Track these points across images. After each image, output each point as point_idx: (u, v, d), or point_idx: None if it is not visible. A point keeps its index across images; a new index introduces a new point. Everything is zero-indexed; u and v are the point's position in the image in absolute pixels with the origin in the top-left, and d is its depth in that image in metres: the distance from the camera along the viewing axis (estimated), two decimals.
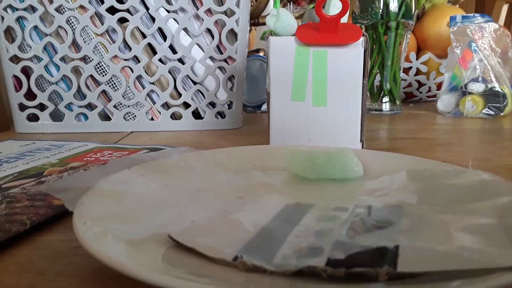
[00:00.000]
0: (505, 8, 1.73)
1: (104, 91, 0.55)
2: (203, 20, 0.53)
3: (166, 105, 0.56)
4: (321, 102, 0.36)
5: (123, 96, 0.55)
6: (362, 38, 0.35)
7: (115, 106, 0.56)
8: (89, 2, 0.52)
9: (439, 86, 0.85)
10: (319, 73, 0.35)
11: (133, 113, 0.56)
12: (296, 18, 1.56)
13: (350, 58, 0.35)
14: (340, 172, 0.26)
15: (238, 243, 0.16)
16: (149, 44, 0.54)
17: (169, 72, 0.55)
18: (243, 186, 0.24)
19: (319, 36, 0.34)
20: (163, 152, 0.37)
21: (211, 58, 0.55)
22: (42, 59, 0.53)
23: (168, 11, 0.53)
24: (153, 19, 0.53)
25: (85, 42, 0.53)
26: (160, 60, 0.54)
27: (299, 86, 0.36)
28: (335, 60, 0.35)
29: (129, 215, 0.18)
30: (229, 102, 0.57)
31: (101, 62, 0.54)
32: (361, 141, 0.37)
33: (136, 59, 0.54)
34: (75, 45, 0.54)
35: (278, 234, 0.17)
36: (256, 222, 0.18)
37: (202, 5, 0.53)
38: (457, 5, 1.01)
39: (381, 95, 0.71)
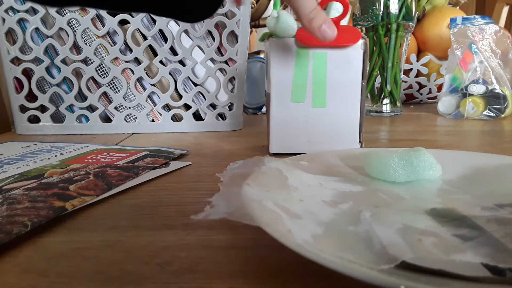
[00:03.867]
0: (505, 9, 1.73)
1: (105, 93, 0.55)
2: (203, 22, 0.54)
3: (167, 107, 0.57)
4: (321, 103, 0.36)
5: (124, 98, 0.55)
6: (361, 41, 0.35)
7: (116, 108, 0.56)
8: None
9: (439, 88, 0.85)
10: (319, 75, 0.36)
11: (134, 115, 0.56)
12: (297, 20, 1.56)
13: (350, 60, 0.36)
14: (427, 172, 0.26)
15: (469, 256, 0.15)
16: (150, 46, 0.54)
17: (169, 74, 0.55)
18: (366, 195, 0.24)
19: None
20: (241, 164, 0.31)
21: (212, 60, 0.55)
22: (43, 61, 0.53)
23: None
24: (154, 21, 0.53)
25: (86, 44, 0.53)
26: (161, 62, 0.55)
27: (299, 87, 0.36)
28: (335, 62, 0.36)
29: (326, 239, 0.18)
30: (229, 104, 0.57)
31: (102, 64, 0.54)
32: (360, 141, 0.37)
33: (137, 61, 0.55)
34: (76, 47, 0.54)
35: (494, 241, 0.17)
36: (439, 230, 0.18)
37: None
38: (458, 7, 1.01)
39: (382, 96, 0.71)
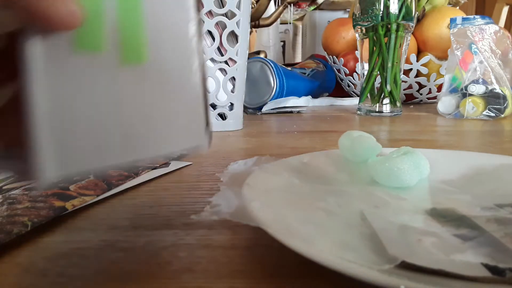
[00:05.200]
0: (505, 10, 1.73)
1: None
2: (203, 22, 0.54)
3: None
4: (137, 55, 0.17)
5: None
6: None
7: None
8: None
9: (439, 88, 0.85)
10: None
11: None
12: (297, 20, 1.56)
13: None
14: (426, 172, 0.26)
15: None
16: None
17: None
18: (366, 195, 0.24)
19: None
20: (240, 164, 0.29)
21: (212, 59, 0.55)
22: None
23: None
24: None
25: None
26: None
27: (89, 16, 0.16)
28: None
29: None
30: (230, 104, 0.57)
31: None
32: (207, 132, 0.19)
33: None
34: None
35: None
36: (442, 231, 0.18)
37: (203, 7, 0.53)
38: (458, 7, 1.01)
39: (382, 96, 0.71)
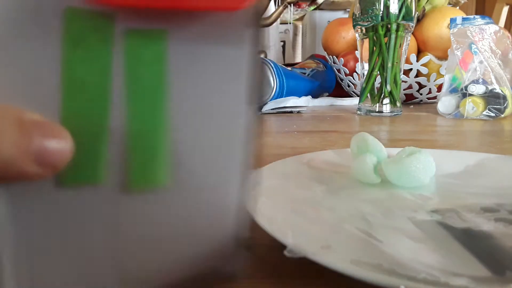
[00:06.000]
0: (505, 10, 1.73)
1: None
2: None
3: None
4: (152, 179, 0.12)
5: None
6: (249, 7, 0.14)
7: None
8: None
9: (439, 88, 0.85)
10: (145, 102, 0.12)
11: None
12: (297, 20, 1.56)
13: (223, 54, 0.13)
14: (431, 172, 0.26)
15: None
16: None
17: None
18: (367, 195, 0.24)
19: None
20: None
21: None
22: None
23: None
24: None
25: None
26: None
27: (86, 143, 0.11)
28: (184, 64, 0.12)
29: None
30: None
31: None
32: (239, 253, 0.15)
33: None
34: None
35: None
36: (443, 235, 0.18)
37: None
38: (458, 7, 1.01)
39: (382, 96, 0.71)
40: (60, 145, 0.10)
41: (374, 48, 0.69)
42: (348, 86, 1.00)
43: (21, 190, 0.11)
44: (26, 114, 0.09)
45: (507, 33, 0.72)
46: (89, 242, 0.12)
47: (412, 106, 0.90)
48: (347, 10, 1.27)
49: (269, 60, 0.78)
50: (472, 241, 0.17)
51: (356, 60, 0.93)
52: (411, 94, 0.93)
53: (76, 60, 0.11)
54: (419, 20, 0.88)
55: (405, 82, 0.89)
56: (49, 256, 0.11)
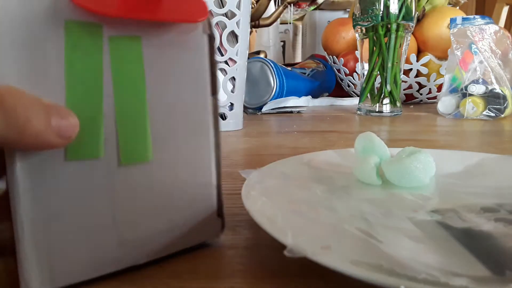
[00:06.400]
0: (505, 10, 1.73)
1: None
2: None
3: None
4: (139, 154, 0.16)
5: None
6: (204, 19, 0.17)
7: None
8: None
9: (439, 88, 0.85)
10: (129, 90, 0.15)
11: None
12: (297, 20, 1.56)
13: (189, 54, 0.17)
14: (430, 172, 0.25)
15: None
16: None
17: None
18: (367, 195, 0.24)
19: (123, 1, 0.15)
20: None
21: None
22: None
23: None
24: None
25: None
26: None
27: (87, 123, 0.14)
28: (159, 61, 0.16)
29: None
30: (230, 104, 0.57)
31: None
32: (219, 214, 0.19)
33: None
34: None
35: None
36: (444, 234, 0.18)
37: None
38: (458, 7, 1.01)
39: (382, 96, 0.71)
40: (72, 122, 0.13)
41: (374, 48, 0.69)
42: (348, 86, 1.00)
43: (38, 164, 0.14)
44: (44, 100, 0.13)
45: (507, 33, 0.72)
46: (92, 207, 0.15)
47: (412, 106, 0.90)
48: (347, 10, 1.27)
49: (269, 60, 0.78)
50: (472, 241, 0.17)
51: (356, 60, 0.93)
52: (411, 94, 0.93)
53: (76, 59, 0.14)
54: (419, 20, 0.88)
55: (405, 82, 0.89)
56: (61, 221, 0.14)
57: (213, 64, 0.18)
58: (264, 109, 0.75)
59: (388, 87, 0.70)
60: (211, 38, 0.17)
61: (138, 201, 0.16)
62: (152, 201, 0.16)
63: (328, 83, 1.03)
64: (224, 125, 0.57)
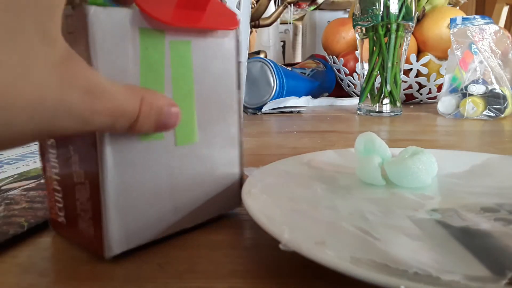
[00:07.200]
0: (505, 10, 1.73)
1: None
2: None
3: None
4: (188, 136, 0.20)
5: None
6: (236, 28, 0.21)
7: None
8: None
9: (439, 88, 0.85)
10: (182, 83, 0.19)
11: None
12: (297, 20, 1.56)
13: (224, 55, 0.21)
14: (432, 173, 0.25)
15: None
16: None
17: None
18: (367, 195, 0.24)
19: (179, 14, 0.19)
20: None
21: None
22: None
23: None
24: None
25: None
26: None
27: None
28: (204, 59, 0.20)
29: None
30: None
31: None
32: (241, 184, 0.23)
33: None
34: None
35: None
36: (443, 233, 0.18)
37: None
38: (458, 7, 1.01)
39: (382, 96, 0.71)
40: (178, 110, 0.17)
41: (374, 48, 0.69)
42: (348, 86, 1.00)
43: (121, 144, 0.17)
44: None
45: (507, 33, 0.72)
46: (156, 179, 0.18)
47: (412, 106, 0.90)
48: (347, 10, 1.27)
49: (269, 60, 0.78)
50: (471, 240, 0.17)
51: (356, 60, 0.93)
52: (411, 94, 0.93)
53: (147, 58, 0.17)
54: (419, 20, 0.88)
55: (405, 82, 0.89)
56: (134, 191, 0.18)
57: (238, 63, 0.22)
58: (264, 109, 0.75)
59: (388, 87, 0.70)
60: (238, 42, 0.22)
61: (188, 175, 0.20)
62: (197, 175, 0.20)
63: (328, 83, 1.03)
64: None
